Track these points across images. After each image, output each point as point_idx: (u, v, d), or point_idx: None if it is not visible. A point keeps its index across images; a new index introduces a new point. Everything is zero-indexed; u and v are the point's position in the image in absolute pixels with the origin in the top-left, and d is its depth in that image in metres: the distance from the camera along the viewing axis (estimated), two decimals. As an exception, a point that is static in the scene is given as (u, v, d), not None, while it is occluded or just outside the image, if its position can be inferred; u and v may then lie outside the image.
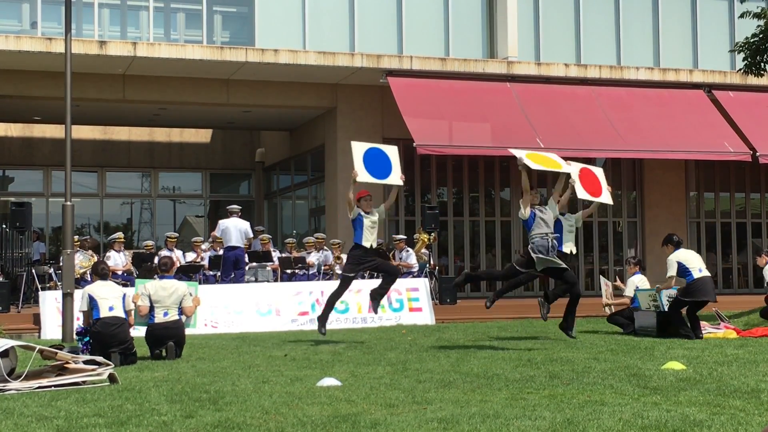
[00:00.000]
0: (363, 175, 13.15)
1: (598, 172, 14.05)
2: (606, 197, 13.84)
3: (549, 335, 13.88)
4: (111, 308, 11.03)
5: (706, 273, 13.75)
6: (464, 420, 6.70)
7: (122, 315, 11.07)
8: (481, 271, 12.11)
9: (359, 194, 13.31)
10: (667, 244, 13.96)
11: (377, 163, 13.34)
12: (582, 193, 13.32)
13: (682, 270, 13.55)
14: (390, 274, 13.34)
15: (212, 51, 19.96)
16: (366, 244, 13.06)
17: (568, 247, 13.10)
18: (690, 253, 14.13)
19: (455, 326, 16.32)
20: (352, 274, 13.27)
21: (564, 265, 12.26)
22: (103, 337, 10.78)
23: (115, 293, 11.24)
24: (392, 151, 13.62)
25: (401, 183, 13.53)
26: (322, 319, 13.34)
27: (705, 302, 13.74)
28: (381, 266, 13.61)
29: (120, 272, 18.41)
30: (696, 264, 13.72)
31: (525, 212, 12.22)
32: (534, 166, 12.38)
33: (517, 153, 12.62)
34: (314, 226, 24.12)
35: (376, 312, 13.98)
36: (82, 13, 20.07)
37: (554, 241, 12.19)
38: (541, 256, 11.98)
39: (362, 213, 13.10)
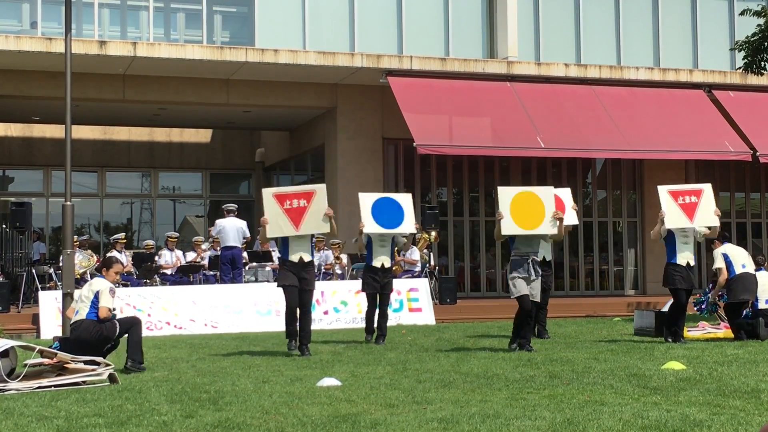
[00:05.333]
0: (371, 227, 13.10)
1: (562, 193, 13.98)
2: (568, 218, 13.76)
3: (548, 334, 13.86)
4: (76, 312, 10.18)
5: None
6: (464, 420, 6.70)
7: (83, 316, 10.06)
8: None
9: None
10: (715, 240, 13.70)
11: (388, 212, 13.16)
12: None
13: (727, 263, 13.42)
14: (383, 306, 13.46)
15: (212, 51, 19.96)
16: (377, 264, 13.25)
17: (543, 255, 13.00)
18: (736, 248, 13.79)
19: (455, 326, 16.32)
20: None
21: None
22: (72, 344, 9.99)
23: (87, 291, 10.25)
24: (405, 199, 13.41)
25: (415, 231, 13.50)
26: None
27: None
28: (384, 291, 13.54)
29: (120, 273, 18.41)
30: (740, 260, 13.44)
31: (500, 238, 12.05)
32: (509, 230, 11.74)
33: (502, 203, 11.89)
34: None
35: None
36: (82, 13, 20.07)
37: (537, 261, 11.82)
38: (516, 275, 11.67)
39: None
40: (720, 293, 14.11)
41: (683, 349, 11.58)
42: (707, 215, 12.80)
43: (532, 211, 11.75)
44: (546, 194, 11.93)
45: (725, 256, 13.43)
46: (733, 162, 23.05)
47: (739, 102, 22.85)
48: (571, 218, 14.01)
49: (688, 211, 12.74)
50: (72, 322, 10.22)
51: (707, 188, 13.00)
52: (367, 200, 13.24)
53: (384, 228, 13.11)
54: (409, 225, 13.28)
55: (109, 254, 10.74)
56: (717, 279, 13.73)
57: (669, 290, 12.92)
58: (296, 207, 11.56)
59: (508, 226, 11.70)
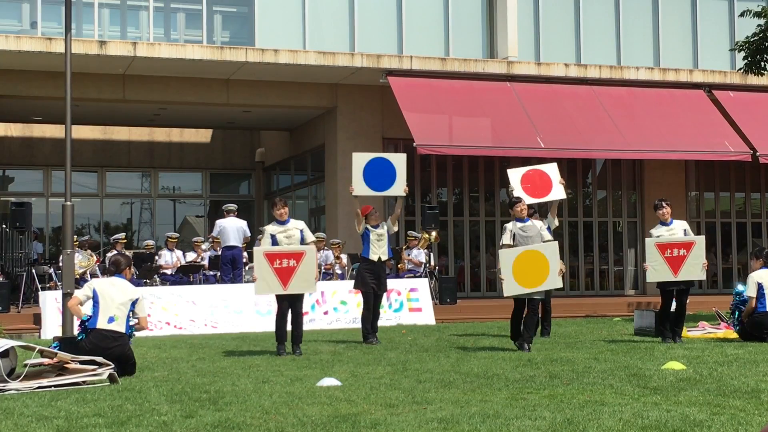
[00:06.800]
0: (360, 188, 13.05)
1: (548, 168, 13.97)
2: (556, 193, 13.71)
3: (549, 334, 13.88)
4: (111, 319, 9.65)
5: None
6: (464, 420, 6.70)
7: (122, 329, 9.70)
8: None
9: (363, 211, 13.29)
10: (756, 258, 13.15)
11: (380, 174, 13.13)
12: (528, 200, 12.82)
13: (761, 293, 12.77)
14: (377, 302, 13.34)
15: (212, 51, 19.96)
16: (374, 257, 13.15)
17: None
18: None
19: (455, 326, 16.32)
20: (365, 289, 13.31)
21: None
22: (96, 351, 9.46)
23: (123, 298, 9.80)
24: (399, 160, 13.36)
25: (404, 194, 13.43)
26: (365, 334, 13.29)
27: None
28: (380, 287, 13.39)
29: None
30: None
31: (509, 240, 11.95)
32: (513, 291, 11.71)
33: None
34: (314, 226, 24.10)
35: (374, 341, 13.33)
36: (82, 13, 20.07)
37: None
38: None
39: (369, 227, 13.16)
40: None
41: (683, 349, 11.57)
42: (694, 269, 12.59)
43: (535, 269, 11.62)
44: (550, 250, 11.77)
45: (760, 287, 12.85)
46: (733, 162, 23.06)
47: (739, 102, 22.85)
48: (559, 193, 13.97)
49: (674, 265, 12.59)
50: (107, 329, 9.66)
51: (700, 240, 12.81)
52: (359, 161, 13.16)
53: (374, 191, 13.09)
54: (399, 188, 13.24)
55: (114, 254, 10.44)
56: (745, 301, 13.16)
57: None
58: (285, 267, 11.66)
59: (510, 287, 11.66)
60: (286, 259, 11.70)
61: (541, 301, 12.38)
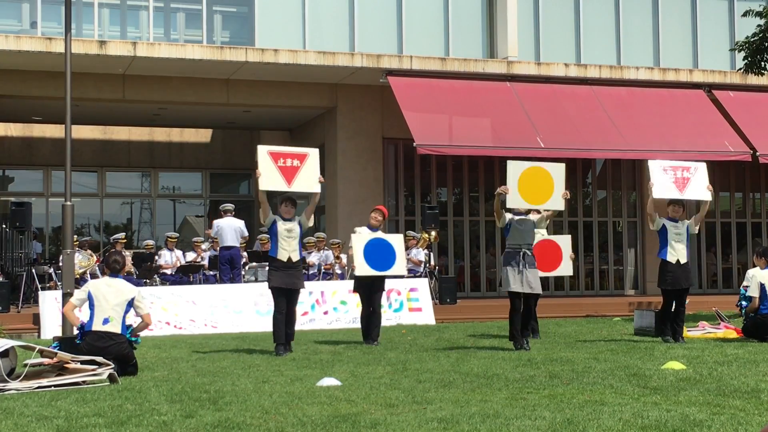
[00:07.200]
0: (362, 269, 12.90)
1: (563, 241, 13.79)
2: (565, 269, 13.53)
3: (548, 335, 13.87)
4: (106, 320, 9.61)
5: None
6: (464, 420, 6.70)
7: (118, 330, 9.64)
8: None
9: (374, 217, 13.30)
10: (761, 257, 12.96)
11: (379, 253, 13.02)
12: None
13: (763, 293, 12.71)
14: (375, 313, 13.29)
15: (212, 51, 19.97)
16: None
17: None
18: None
19: (455, 326, 16.32)
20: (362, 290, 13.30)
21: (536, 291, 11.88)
22: (93, 352, 9.41)
23: (119, 299, 9.73)
24: (396, 241, 13.32)
25: (405, 274, 13.40)
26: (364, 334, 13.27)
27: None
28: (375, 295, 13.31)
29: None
30: None
31: (500, 222, 11.95)
32: (516, 203, 11.71)
33: (511, 177, 11.82)
34: (314, 226, 24.10)
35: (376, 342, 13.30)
36: (82, 12, 20.08)
37: (529, 255, 11.78)
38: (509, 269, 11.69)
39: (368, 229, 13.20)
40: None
41: (683, 349, 11.57)
42: (699, 189, 12.51)
43: (541, 187, 11.66)
44: (557, 171, 11.82)
45: (762, 288, 12.77)
46: (733, 162, 23.06)
47: (739, 102, 22.85)
48: (567, 269, 13.93)
49: (679, 184, 12.49)
50: (102, 330, 9.63)
51: (701, 166, 12.75)
52: (359, 243, 13.02)
53: (375, 270, 12.99)
54: (400, 267, 13.25)
55: (110, 253, 10.44)
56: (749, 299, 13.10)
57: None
58: (289, 166, 11.69)
59: (514, 200, 11.64)
60: (290, 159, 11.75)
61: (534, 299, 12.42)
